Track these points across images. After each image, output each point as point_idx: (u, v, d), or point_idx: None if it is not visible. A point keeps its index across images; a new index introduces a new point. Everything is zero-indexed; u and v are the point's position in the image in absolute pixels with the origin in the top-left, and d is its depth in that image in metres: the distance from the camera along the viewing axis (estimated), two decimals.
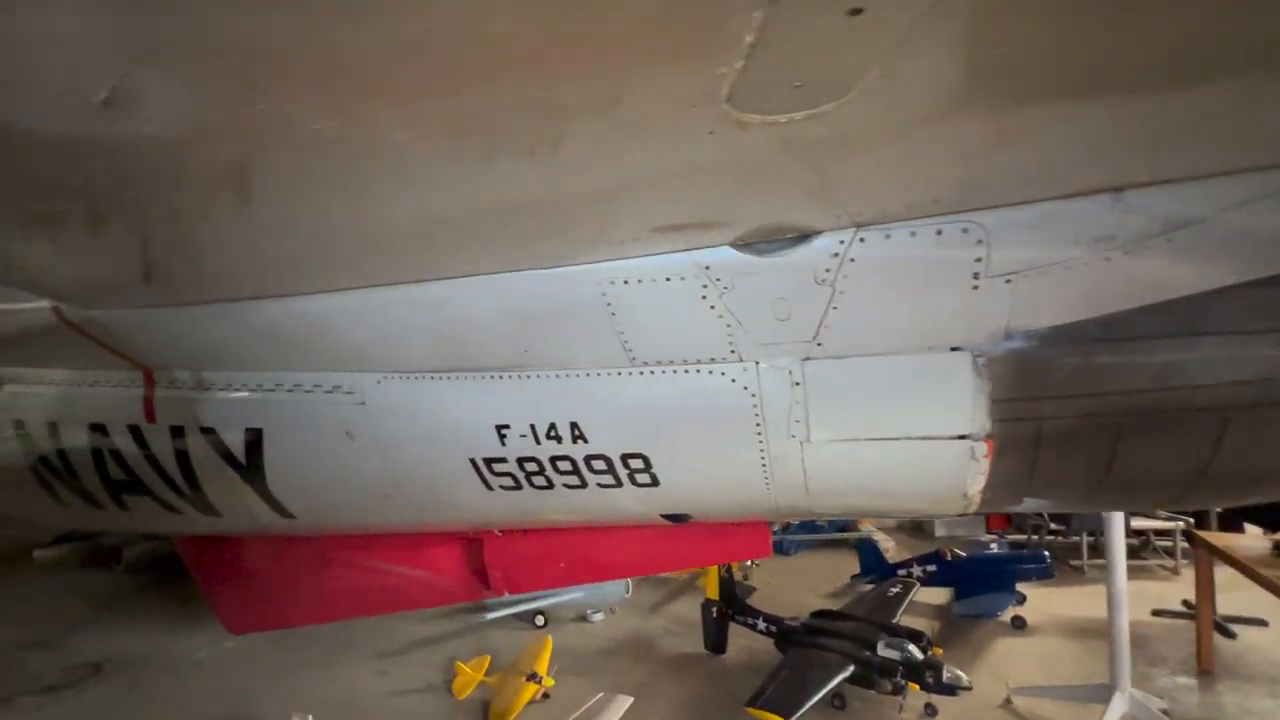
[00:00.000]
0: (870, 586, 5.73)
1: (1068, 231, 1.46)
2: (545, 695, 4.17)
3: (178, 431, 2.77)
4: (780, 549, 7.21)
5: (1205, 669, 4.35)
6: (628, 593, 5.63)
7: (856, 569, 6.29)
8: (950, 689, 3.77)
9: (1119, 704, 3.55)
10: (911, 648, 3.96)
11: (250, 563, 3.53)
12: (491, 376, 2.13)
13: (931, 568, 5.72)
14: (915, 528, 8.35)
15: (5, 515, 4.29)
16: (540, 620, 5.41)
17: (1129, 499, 2.76)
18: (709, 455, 2.04)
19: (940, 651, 4.10)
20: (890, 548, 6.58)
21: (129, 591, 6.29)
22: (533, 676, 4.13)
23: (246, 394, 2.55)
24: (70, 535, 6.98)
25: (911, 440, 1.81)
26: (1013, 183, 1.42)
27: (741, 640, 4.88)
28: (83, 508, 3.34)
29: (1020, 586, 5.41)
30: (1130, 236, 1.44)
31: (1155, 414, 1.64)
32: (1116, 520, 3.99)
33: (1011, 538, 7.09)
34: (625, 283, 1.69)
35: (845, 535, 7.42)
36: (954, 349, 1.66)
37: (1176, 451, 1.72)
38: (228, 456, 2.67)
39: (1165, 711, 3.70)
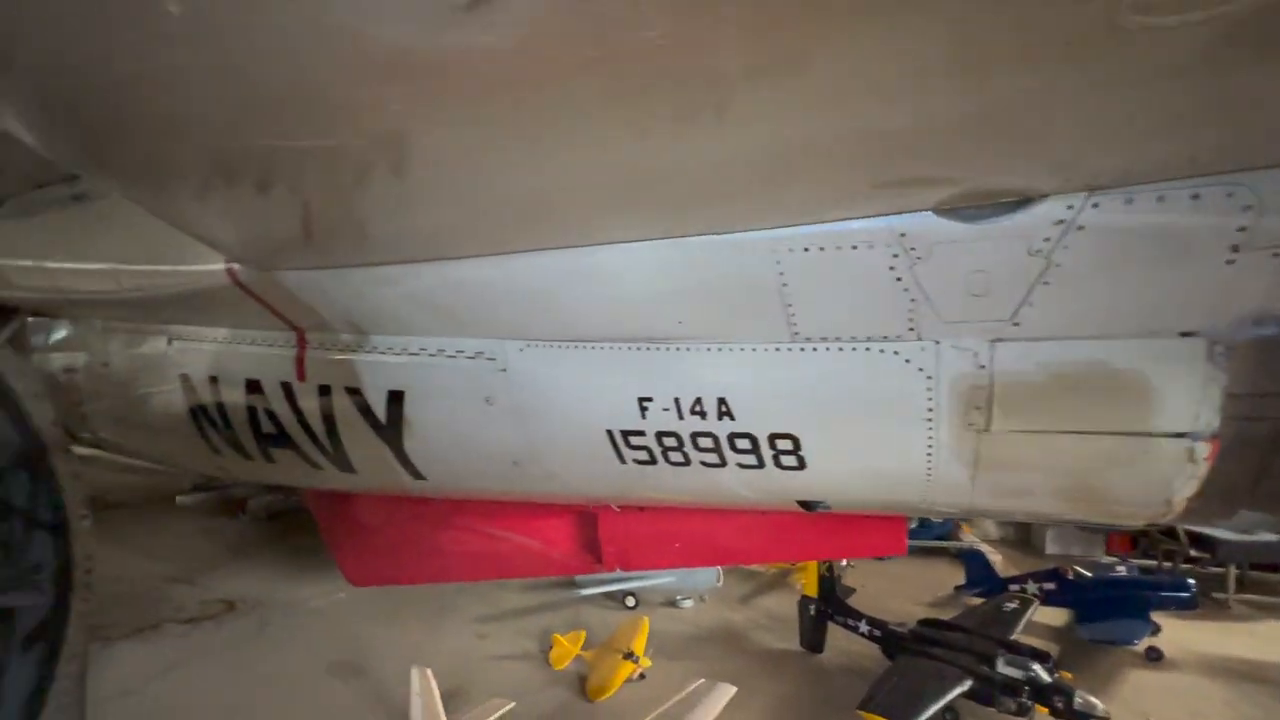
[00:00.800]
0: (979, 600, 5.38)
1: None
2: (641, 675, 4.17)
3: (325, 390, 2.93)
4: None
5: None
6: (718, 582, 5.56)
7: (957, 580, 5.94)
8: (1084, 716, 3.45)
9: None
10: (1036, 667, 3.66)
11: (375, 520, 3.72)
12: (639, 348, 2.10)
13: (1050, 585, 5.29)
14: (1023, 542, 7.78)
15: (167, 461, 4.75)
16: (631, 601, 5.44)
17: None
18: (868, 440, 1.92)
19: (1069, 676, 3.77)
20: (998, 560, 6.16)
21: (254, 539, 6.84)
22: (629, 655, 4.14)
23: (392, 357, 2.65)
24: (205, 484, 7.70)
25: (1115, 436, 1.62)
26: None
27: (839, 641, 4.70)
28: (234, 458, 3.63)
29: (1155, 616, 4.90)
30: None
31: None
32: None
33: (1138, 562, 6.45)
34: (805, 250, 1.60)
35: (947, 544, 7.02)
36: (1185, 334, 1.46)
37: None
38: (369, 416, 2.80)
39: None
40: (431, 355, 2.58)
